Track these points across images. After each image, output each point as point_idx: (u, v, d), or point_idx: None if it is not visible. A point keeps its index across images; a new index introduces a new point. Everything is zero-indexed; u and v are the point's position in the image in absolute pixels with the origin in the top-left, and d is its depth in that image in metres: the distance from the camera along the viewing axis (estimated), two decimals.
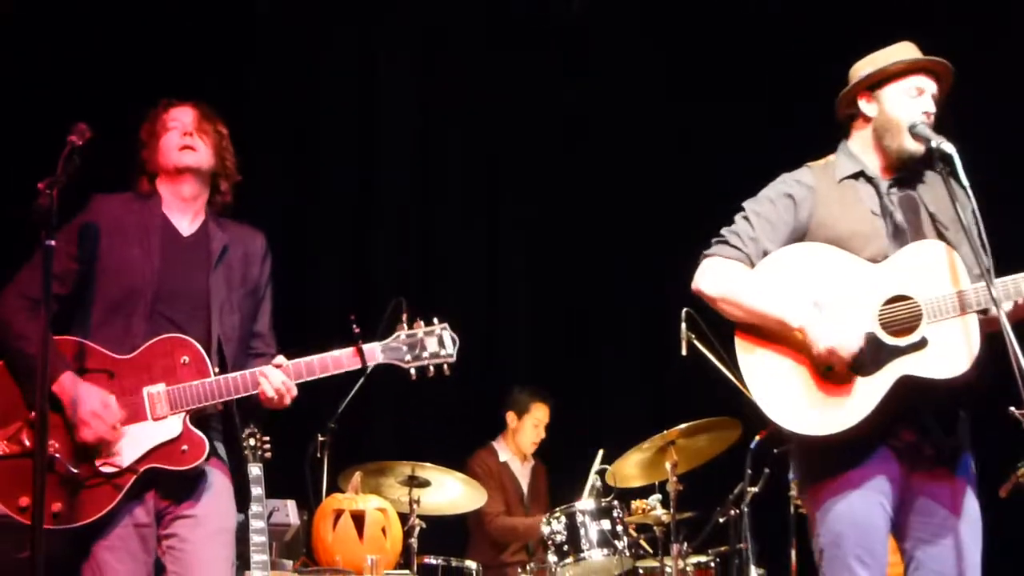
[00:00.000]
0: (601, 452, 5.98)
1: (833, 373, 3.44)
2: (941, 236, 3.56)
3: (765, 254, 3.59)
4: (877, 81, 3.63)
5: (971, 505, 3.50)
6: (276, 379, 3.49)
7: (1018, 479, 5.38)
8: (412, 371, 3.61)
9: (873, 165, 3.66)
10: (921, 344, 3.40)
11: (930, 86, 3.62)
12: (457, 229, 7.64)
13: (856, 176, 3.64)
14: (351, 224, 7.38)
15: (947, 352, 3.38)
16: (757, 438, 5.53)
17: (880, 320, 3.44)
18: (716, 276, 3.60)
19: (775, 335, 3.53)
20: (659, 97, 7.64)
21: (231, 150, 3.77)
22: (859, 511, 3.43)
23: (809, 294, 3.49)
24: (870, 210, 3.59)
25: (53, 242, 3.22)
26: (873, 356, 3.42)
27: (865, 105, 3.66)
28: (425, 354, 3.60)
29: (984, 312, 3.40)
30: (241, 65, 6.91)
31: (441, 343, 3.61)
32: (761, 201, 3.67)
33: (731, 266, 3.59)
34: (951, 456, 3.50)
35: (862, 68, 3.67)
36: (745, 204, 3.69)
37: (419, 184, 7.59)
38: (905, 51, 3.64)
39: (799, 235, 3.61)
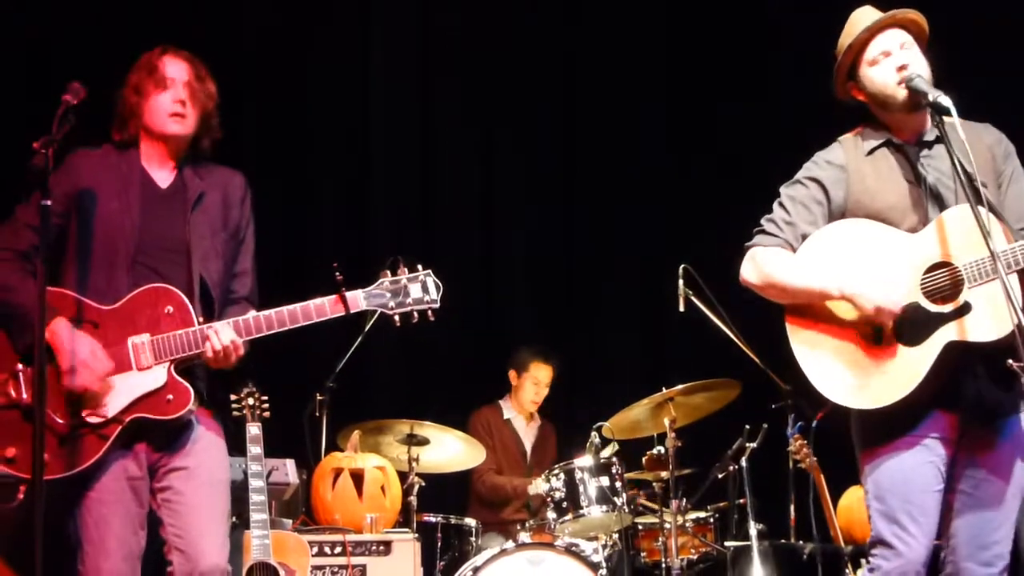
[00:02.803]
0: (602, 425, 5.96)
1: (882, 346, 3.44)
2: (977, 194, 3.46)
3: (804, 237, 3.59)
4: (848, 68, 3.61)
5: (1016, 463, 3.50)
6: (225, 336, 3.48)
7: None
8: (396, 317, 3.61)
9: (897, 132, 3.62)
10: (965, 309, 3.39)
11: (893, 39, 3.55)
12: (455, 187, 7.61)
13: (885, 145, 3.61)
14: (347, 185, 7.38)
15: (993, 314, 3.37)
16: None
17: (923, 289, 3.44)
18: (758, 264, 3.61)
19: (822, 315, 3.54)
20: (658, 47, 7.60)
21: (218, 110, 3.75)
22: (911, 469, 3.44)
23: (849, 269, 3.48)
24: (905, 179, 3.57)
25: (49, 202, 3.25)
26: (919, 325, 3.42)
27: (856, 93, 3.65)
28: (409, 300, 3.60)
29: None
30: (236, 18, 6.90)
31: (425, 289, 3.62)
32: (793, 184, 3.68)
33: (771, 252, 3.60)
34: (1005, 412, 3.50)
35: (839, 53, 3.64)
36: (781, 189, 3.70)
37: (416, 141, 7.56)
38: (863, 20, 3.59)
39: (838, 215, 3.61)
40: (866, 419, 3.50)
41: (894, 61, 3.53)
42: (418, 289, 3.61)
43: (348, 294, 3.57)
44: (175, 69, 3.68)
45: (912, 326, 3.43)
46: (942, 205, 3.52)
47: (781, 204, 3.66)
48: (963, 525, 3.48)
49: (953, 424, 3.47)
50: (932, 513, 3.46)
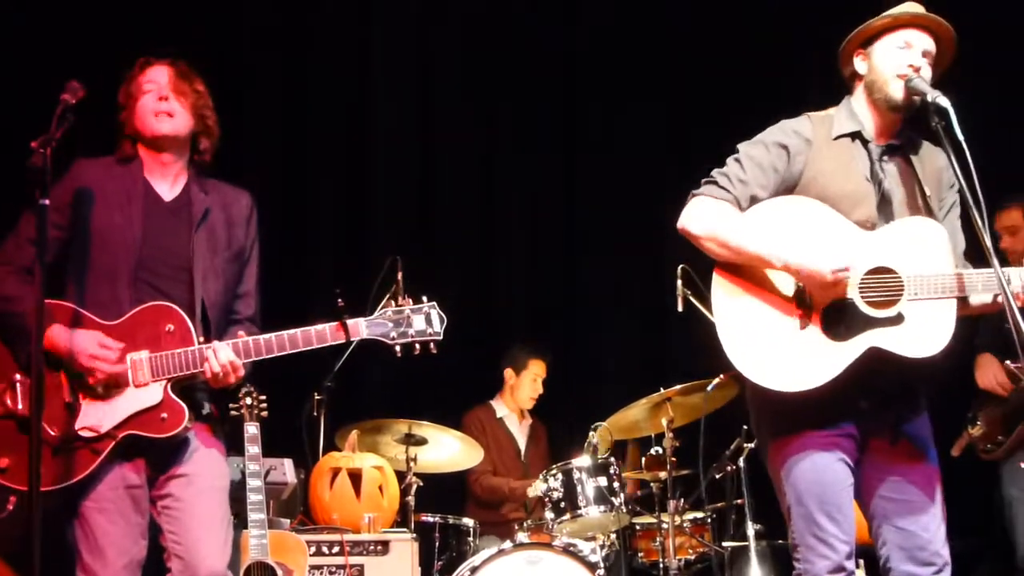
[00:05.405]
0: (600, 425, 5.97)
1: (808, 333, 3.43)
2: (929, 213, 3.54)
3: (753, 199, 3.56)
4: (869, 37, 3.59)
5: (929, 459, 3.55)
6: (223, 356, 3.47)
7: (970, 437, 5.46)
8: (397, 348, 3.59)
9: (870, 127, 3.62)
10: (897, 319, 3.40)
11: (922, 42, 3.55)
12: (455, 187, 7.59)
13: (852, 136, 3.61)
14: (346, 181, 7.38)
15: (922, 332, 3.38)
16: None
17: (860, 288, 3.43)
18: (702, 215, 3.57)
19: (756, 282, 3.52)
20: (658, 46, 7.59)
21: (211, 107, 3.71)
22: (823, 467, 3.46)
23: (795, 246, 3.46)
24: (862, 174, 3.57)
25: (47, 201, 3.22)
26: (848, 322, 3.42)
27: (859, 63, 3.63)
28: (411, 331, 3.58)
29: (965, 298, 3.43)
30: (236, 18, 6.90)
31: (428, 321, 3.59)
32: (755, 144, 3.64)
33: (718, 206, 3.56)
34: (909, 417, 3.55)
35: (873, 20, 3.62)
36: (740, 146, 3.66)
37: (416, 141, 7.56)
38: (906, 7, 3.59)
39: (789, 186, 3.59)
40: (774, 405, 3.48)
41: (909, 57, 3.53)
42: (421, 321, 3.59)
43: (350, 321, 3.55)
44: (155, 73, 3.65)
45: (841, 321, 3.43)
46: (889, 211, 3.54)
47: (738, 160, 3.61)
48: (893, 531, 3.49)
49: (860, 425, 3.49)
50: (848, 509, 3.48)
